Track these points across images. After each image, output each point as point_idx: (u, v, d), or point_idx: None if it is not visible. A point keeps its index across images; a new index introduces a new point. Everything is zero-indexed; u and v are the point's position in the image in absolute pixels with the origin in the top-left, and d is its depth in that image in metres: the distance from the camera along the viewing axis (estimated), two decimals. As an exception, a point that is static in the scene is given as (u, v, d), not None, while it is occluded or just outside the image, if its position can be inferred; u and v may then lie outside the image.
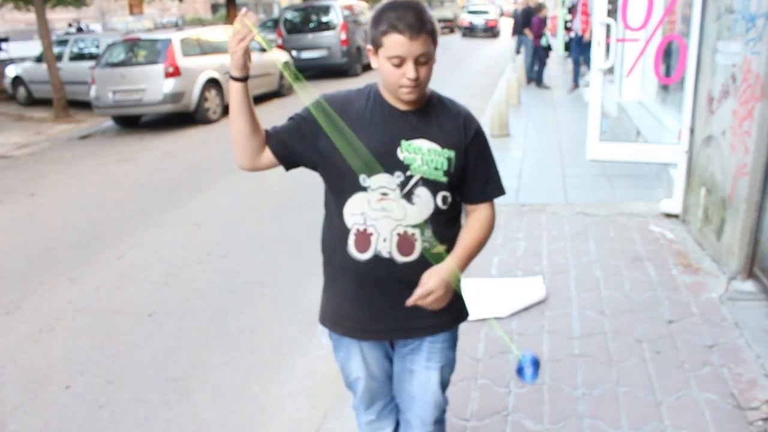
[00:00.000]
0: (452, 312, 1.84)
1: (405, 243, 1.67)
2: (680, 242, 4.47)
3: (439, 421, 1.96)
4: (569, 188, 5.84)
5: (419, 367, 1.86)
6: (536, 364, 1.83)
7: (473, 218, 1.80)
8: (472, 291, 3.71)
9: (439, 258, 1.71)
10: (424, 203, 1.68)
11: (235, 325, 3.77)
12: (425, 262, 1.70)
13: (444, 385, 1.92)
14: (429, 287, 1.66)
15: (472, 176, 1.75)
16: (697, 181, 4.57)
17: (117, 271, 4.67)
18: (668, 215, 4.97)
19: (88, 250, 5.11)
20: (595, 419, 2.67)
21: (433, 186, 1.68)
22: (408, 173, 1.66)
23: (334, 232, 1.74)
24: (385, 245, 1.67)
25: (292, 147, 1.75)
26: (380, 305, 1.76)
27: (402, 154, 1.66)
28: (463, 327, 3.43)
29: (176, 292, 4.29)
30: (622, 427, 2.61)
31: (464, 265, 1.74)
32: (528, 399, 2.83)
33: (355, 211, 1.69)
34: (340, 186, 1.71)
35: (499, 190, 1.83)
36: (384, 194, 1.65)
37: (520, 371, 1.82)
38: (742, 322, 3.34)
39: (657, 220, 4.91)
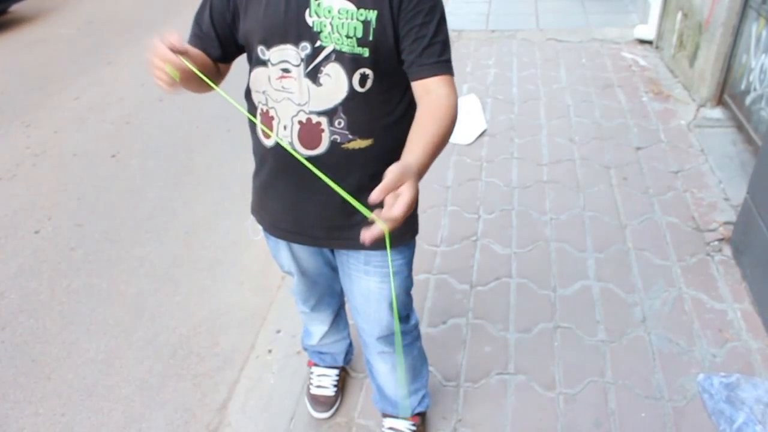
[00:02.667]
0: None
1: (308, 133, 1.32)
2: (652, 69, 4.35)
3: (395, 343, 1.69)
4: (541, 14, 5.56)
5: (357, 271, 1.56)
6: None
7: (424, 105, 1.28)
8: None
9: (358, 155, 1.34)
10: (335, 84, 1.28)
11: (202, 162, 3.67)
12: (338, 159, 1.34)
13: (392, 302, 1.58)
14: (405, 206, 1.02)
15: (405, 43, 1.27)
16: (674, 4, 4.34)
17: (74, 113, 4.42)
18: (642, 41, 4.80)
19: (41, 92, 4.79)
20: (562, 243, 2.71)
21: (350, 62, 1.26)
22: (317, 44, 1.25)
23: (250, 106, 1.45)
24: (285, 133, 1.34)
25: (229, 37, 1.38)
26: (288, 201, 1.48)
27: (311, 18, 1.25)
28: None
29: (139, 132, 4.10)
30: (588, 250, 2.66)
31: (425, 166, 1.18)
32: (497, 224, 2.85)
33: (258, 87, 1.37)
34: (249, 56, 1.38)
35: (447, 64, 1.29)
36: (285, 71, 1.29)
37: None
38: (708, 149, 3.33)
39: (630, 47, 4.75)
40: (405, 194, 1.00)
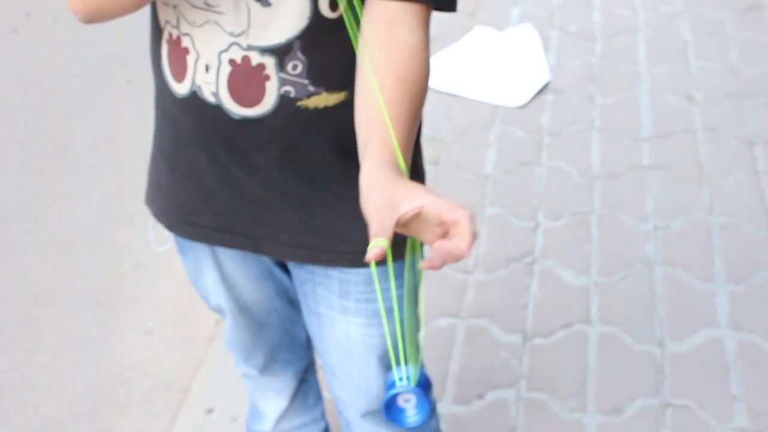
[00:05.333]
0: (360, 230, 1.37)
1: (245, 80, 1.32)
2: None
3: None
4: None
5: (329, 308, 1.57)
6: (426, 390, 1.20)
7: (382, 52, 1.23)
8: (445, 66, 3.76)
9: (322, 118, 1.34)
10: (291, 5, 1.26)
11: (84, 134, 3.69)
12: (294, 124, 1.35)
13: (387, 359, 1.55)
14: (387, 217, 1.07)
15: None
16: None
17: None
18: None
19: None
20: (674, 267, 2.74)
21: None
22: None
23: (155, 29, 1.43)
24: (208, 78, 1.33)
25: None
26: (209, 181, 1.47)
27: None
28: (461, 127, 3.50)
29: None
30: (717, 279, 2.69)
31: (406, 149, 1.17)
32: (566, 237, 2.89)
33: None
34: None
35: None
36: None
37: (389, 409, 1.18)
38: None
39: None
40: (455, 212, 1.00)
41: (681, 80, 3.67)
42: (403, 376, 1.17)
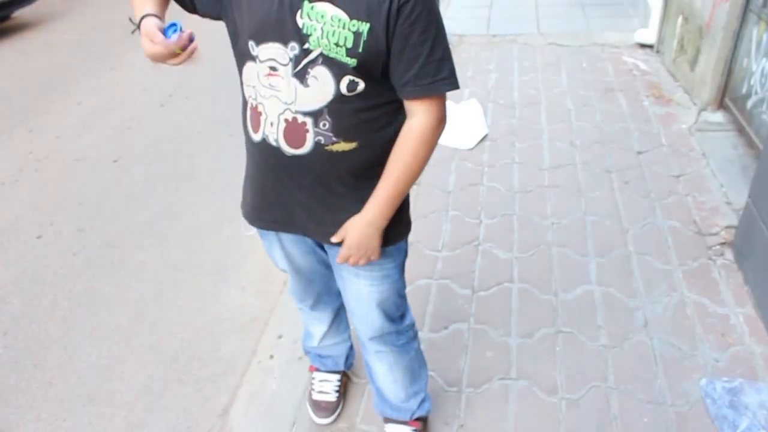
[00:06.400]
0: None
1: (293, 132, 1.34)
2: (653, 73, 4.35)
3: (390, 343, 1.71)
4: (542, 18, 5.57)
5: (348, 273, 1.58)
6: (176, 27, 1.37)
7: (401, 133, 1.37)
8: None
9: (341, 158, 1.37)
10: (321, 87, 1.29)
11: (203, 167, 3.67)
12: (321, 160, 1.36)
13: (383, 306, 1.62)
14: (345, 249, 1.45)
15: (398, 61, 1.27)
16: (674, 8, 4.35)
17: (76, 118, 4.43)
18: (643, 45, 4.81)
19: (44, 98, 4.80)
20: (564, 247, 2.70)
21: (338, 67, 1.26)
22: (305, 46, 1.25)
23: (243, 103, 1.47)
24: (272, 130, 1.37)
25: None
26: (273, 195, 1.49)
27: (302, 19, 1.24)
28: (433, 161, 3.47)
29: (140, 136, 4.11)
30: (589, 254, 2.65)
31: (387, 209, 1.41)
32: (498, 229, 2.84)
33: (249, 82, 1.38)
34: (236, 48, 1.40)
35: (441, 83, 1.30)
36: (272, 69, 1.30)
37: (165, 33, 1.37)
38: (710, 153, 3.32)
39: (631, 51, 4.76)
40: (346, 240, 1.44)
41: (567, 133, 3.64)
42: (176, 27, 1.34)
